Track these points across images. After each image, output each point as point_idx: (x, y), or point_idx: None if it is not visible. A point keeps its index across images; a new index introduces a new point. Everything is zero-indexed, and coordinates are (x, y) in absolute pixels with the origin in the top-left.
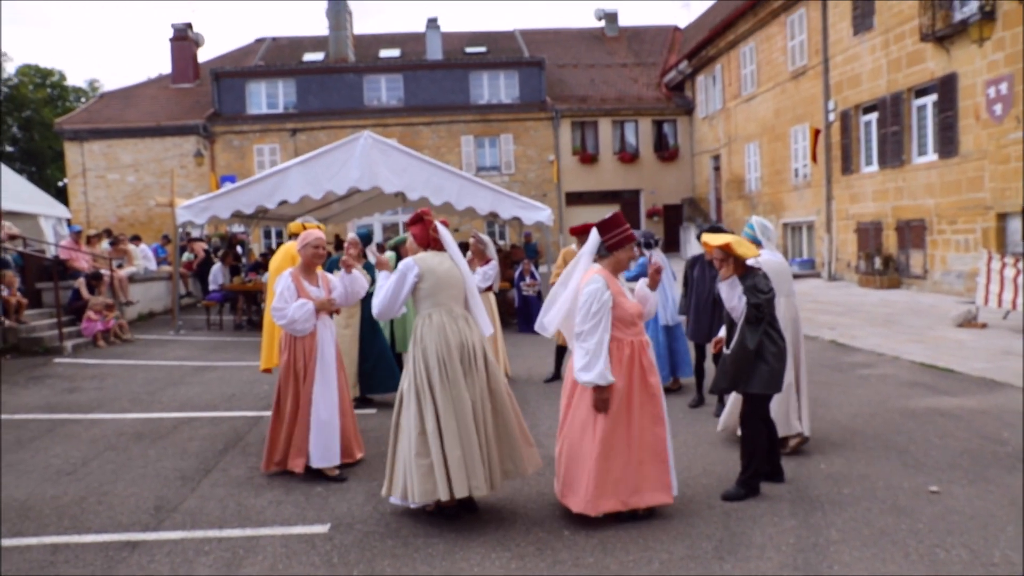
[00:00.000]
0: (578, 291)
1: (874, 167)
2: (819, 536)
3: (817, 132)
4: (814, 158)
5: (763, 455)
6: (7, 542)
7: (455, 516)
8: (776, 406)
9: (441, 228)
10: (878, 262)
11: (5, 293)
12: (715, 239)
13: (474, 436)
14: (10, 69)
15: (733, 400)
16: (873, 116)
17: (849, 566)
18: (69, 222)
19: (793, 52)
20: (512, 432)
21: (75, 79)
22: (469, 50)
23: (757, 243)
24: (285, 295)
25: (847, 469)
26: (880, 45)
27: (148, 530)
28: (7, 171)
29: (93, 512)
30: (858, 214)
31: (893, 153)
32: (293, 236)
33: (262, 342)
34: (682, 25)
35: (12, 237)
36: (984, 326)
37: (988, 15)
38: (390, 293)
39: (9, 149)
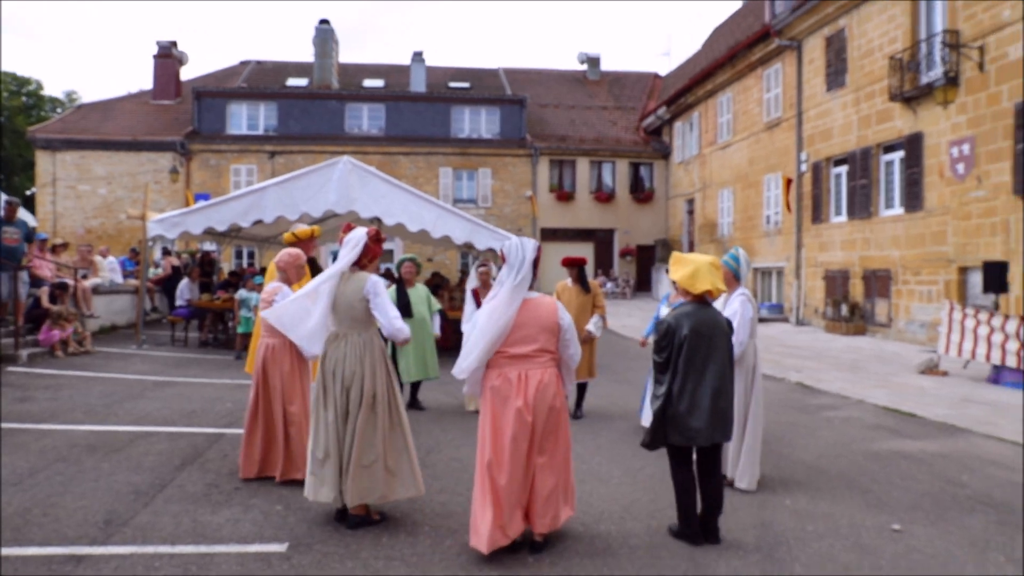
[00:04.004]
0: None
1: (843, 217)
2: (783, 570)
3: (789, 181)
4: (788, 207)
5: (686, 501)
6: None
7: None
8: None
9: (349, 237)
10: (845, 309)
11: None
12: (675, 271)
13: (324, 449)
14: None
15: (745, 452)
16: (843, 169)
17: None
18: (35, 230)
19: (768, 104)
20: (347, 457)
21: (53, 89)
22: (453, 84)
23: (737, 277)
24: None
25: (811, 507)
26: (851, 102)
27: (96, 544)
28: None
29: (37, 524)
30: (827, 262)
31: (861, 205)
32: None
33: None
34: (662, 73)
35: None
36: (945, 374)
37: (952, 80)
38: None
39: None
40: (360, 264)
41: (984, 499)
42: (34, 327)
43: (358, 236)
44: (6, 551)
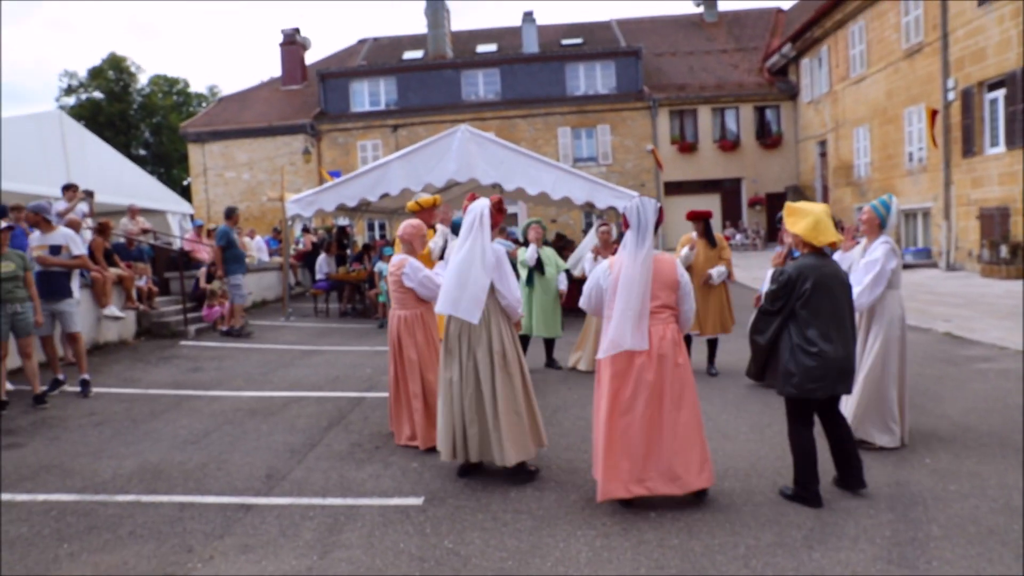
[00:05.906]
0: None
1: (1000, 148)
2: (918, 531)
3: (934, 113)
4: (933, 141)
5: (805, 462)
6: (147, 498)
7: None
8: (853, 408)
9: (472, 207)
10: (1004, 250)
11: (141, 282)
12: (793, 223)
13: (450, 410)
14: (143, 80)
15: (885, 407)
16: (1000, 93)
17: (951, 563)
18: (192, 217)
19: (907, 28)
20: (488, 418)
21: (197, 86)
22: (565, 42)
23: (882, 224)
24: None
25: (955, 465)
26: (1009, 15)
27: (260, 495)
28: (140, 172)
29: (213, 477)
30: (981, 199)
31: (1023, 132)
32: (412, 214)
33: None
34: (785, 6)
35: (144, 231)
36: None
37: None
38: None
39: (142, 152)
40: None
41: None
42: (197, 305)
43: (480, 207)
44: (195, 499)
